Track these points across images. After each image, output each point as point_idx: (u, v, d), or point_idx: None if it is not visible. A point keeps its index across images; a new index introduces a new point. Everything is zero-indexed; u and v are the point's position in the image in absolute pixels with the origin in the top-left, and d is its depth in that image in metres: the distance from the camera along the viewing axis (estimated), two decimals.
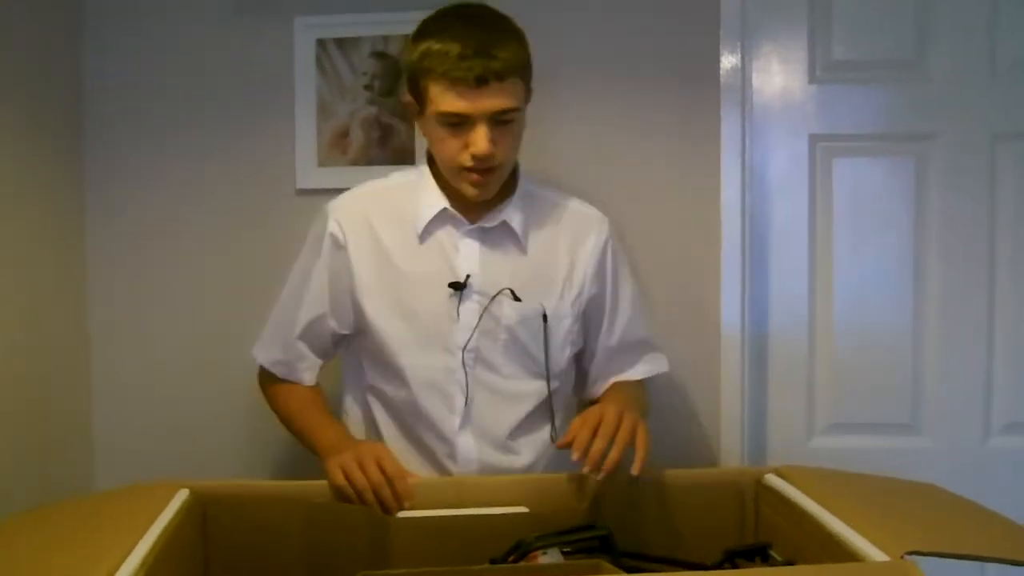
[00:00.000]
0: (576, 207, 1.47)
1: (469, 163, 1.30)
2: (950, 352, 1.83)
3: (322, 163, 1.83)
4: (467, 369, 1.37)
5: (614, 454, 1.18)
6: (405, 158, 1.79)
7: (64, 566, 0.91)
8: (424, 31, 1.31)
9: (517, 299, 1.37)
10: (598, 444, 1.17)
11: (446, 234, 1.39)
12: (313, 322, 1.43)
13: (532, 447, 1.41)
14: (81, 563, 0.90)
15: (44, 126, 1.72)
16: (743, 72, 1.79)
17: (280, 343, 1.46)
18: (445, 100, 1.27)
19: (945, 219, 1.82)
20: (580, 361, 1.51)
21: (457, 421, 1.38)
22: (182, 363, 1.88)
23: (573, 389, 1.52)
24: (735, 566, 1.12)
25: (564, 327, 1.42)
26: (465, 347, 1.36)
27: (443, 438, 1.38)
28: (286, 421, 1.47)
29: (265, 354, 1.47)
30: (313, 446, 1.38)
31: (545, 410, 1.42)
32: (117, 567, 0.89)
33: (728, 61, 1.79)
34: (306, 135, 1.83)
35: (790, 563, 1.09)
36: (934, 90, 1.81)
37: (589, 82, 1.80)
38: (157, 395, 1.88)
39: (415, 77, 1.31)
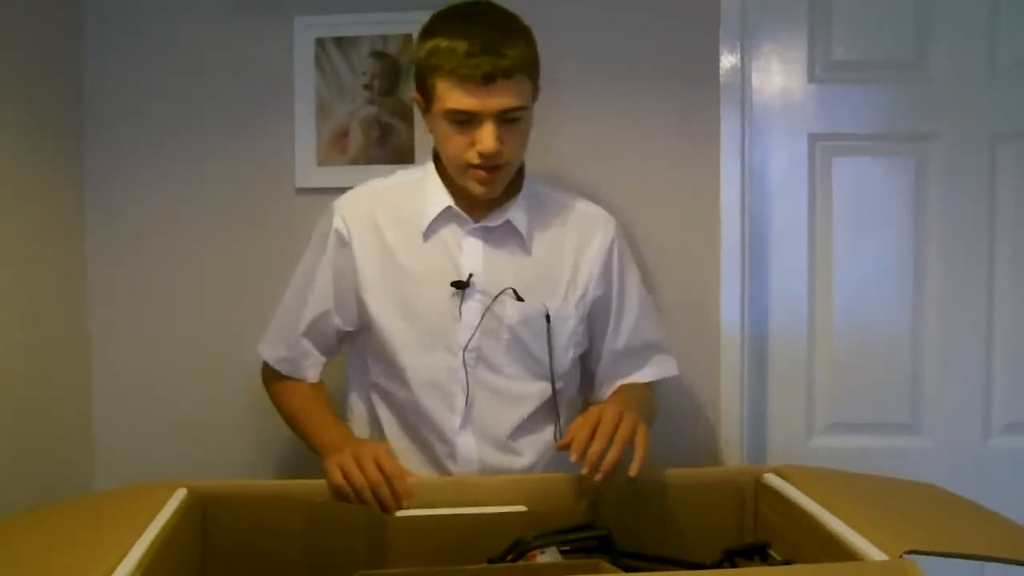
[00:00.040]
0: (582, 207, 1.47)
1: (476, 160, 1.30)
2: (950, 352, 1.83)
3: (321, 162, 1.83)
4: (468, 369, 1.37)
5: (612, 455, 1.17)
6: (404, 157, 1.79)
7: (62, 566, 0.91)
8: (432, 28, 1.31)
9: (520, 299, 1.37)
10: (596, 445, 1.17)
11: (450, 232, 1.39)
12: (318, 319, 1.43)
13: (534, 448, 1.41)
14: (79, 563, 0.89)
15: (44, 126, 1.72)
16: (743, 72, 1.79)
17: (285, 340, 1.46)
18: (452, 97, 1.27)
19: (945, 219, 1.82)
20: (587, 363, 1.50)
21: (458, 421, 1.38)
22: (182, 363, 1.88)
23: (578, 390, 1.52)
24: (734, 565, 1.12)
25: (568, 328, 1.41)
26: (466, 347, 1.36)
27: (443, 438, 1.38)
28: (288, 418, 1.47)
29: (270, 351, 1.47)
30: (313, 444, 1.39)
31: (548, 411, 1.41)
32: (115, 567, 0.89)
33: (728, 61, 1.79)
34: (305, 135, 1.83)
35: (789, 562, 1.09)
36: (934, 90, 1.81)
37: (589, 81, 1.80)
38: (157, 395, 1.88)
39: (423, 74, 1.31)
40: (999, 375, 1.83)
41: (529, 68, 1.30)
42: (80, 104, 1.84)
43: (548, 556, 1.07)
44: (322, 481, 1.24)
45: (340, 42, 1.81)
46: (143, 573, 0.91)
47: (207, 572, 1.19)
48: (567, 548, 1.10)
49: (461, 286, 1.36)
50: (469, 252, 1.38)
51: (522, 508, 1.20)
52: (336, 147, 1.83)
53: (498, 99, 1.26)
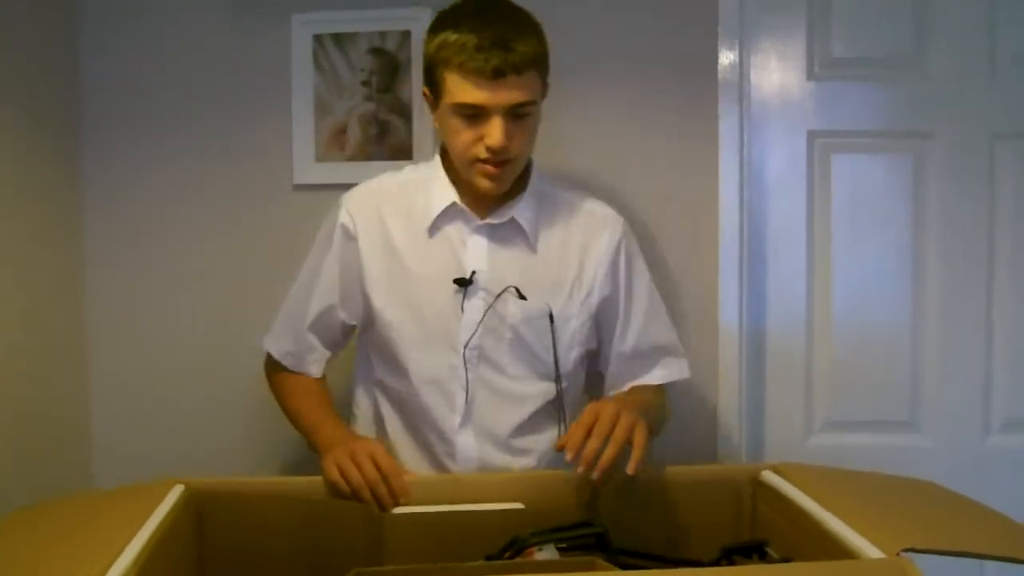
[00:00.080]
0: (590, 207, 1.46)
1: (483, 155, 1.30)
2: (949, 350, 1.83)
3: (320, 159, 1.82)
4: (468, 366, 1.36)
5: (608, 453, 1.15)
6: (402, 154, 1.79)
7: (60, 562, 0.91)
8: (442, 22, 1.30)
9: (522, 297, 1.36)
10: (592, 444, 1.15)
11: (455, 229, 1.38)
12: (323, 313, 1.43)
13: (536, 448, 1.40)
14: (76, 559, 0.89)
15: (43, 126, 1.72)
16: (741, 69, 1.79)
17: (291, 334, 1.46)
18: (461, 91, 1.26)
19: (944, 217, 1.82)
20: (595, 366, 1.49)
21: (458, 419, 1.38)
22: (181, 362, 1.87)
23: (584, 390, 1.50)
24: (732, 563, 1.11)
25: (571, 328, 1.40)
26: (467, 344, 1.36)
27: (443, 436, 1.38)
28: (288, 411, 1.47)
29: (276, 345, 1.47)
30: (311, 439, 1.38)
31: (551, 412, 1.41)
32: (111, 564, 0.89)
33: (726, 58, 1.79)
34: (303, 131, 1.82)
35: (787, 560, 1.09)
36: (933, 88, 1.81)
37: (587, 79, 1.79)
38: (156, 394, 1.88)
39: (432, 68, 1.31)
40: (998, 373, 1.83)
41: (539, 64, 1.30)
42: (78, 104, 1.84)
43: (545, 553, 1.07)
44: (319, 478, 1.24)
45: (338, 39, 1.81)
46: (140, 569, 0.91)
47: (204, 569, 1.19)
48: (564, 545, 1.09)
49: (464, 283, 1.35)
50: (473, 249, 1.38)
51: (519, 505, 1.19)
52: (334, 144, 1.82)
53: (507, 94, 1.26)
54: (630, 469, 1.16)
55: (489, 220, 1.38)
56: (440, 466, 1.39)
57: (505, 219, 1.38)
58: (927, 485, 1.21)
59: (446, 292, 1.36)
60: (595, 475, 1.15)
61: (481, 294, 1.36)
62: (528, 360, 1.39)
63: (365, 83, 1.81)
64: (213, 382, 1.86)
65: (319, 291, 1.43)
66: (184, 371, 1.87)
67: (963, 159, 1.81)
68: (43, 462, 1.68)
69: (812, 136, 1.83)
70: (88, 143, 1.85)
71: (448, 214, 1.38)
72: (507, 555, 1.08)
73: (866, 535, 0.95)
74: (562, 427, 1.41)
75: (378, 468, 1.21)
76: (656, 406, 1.42)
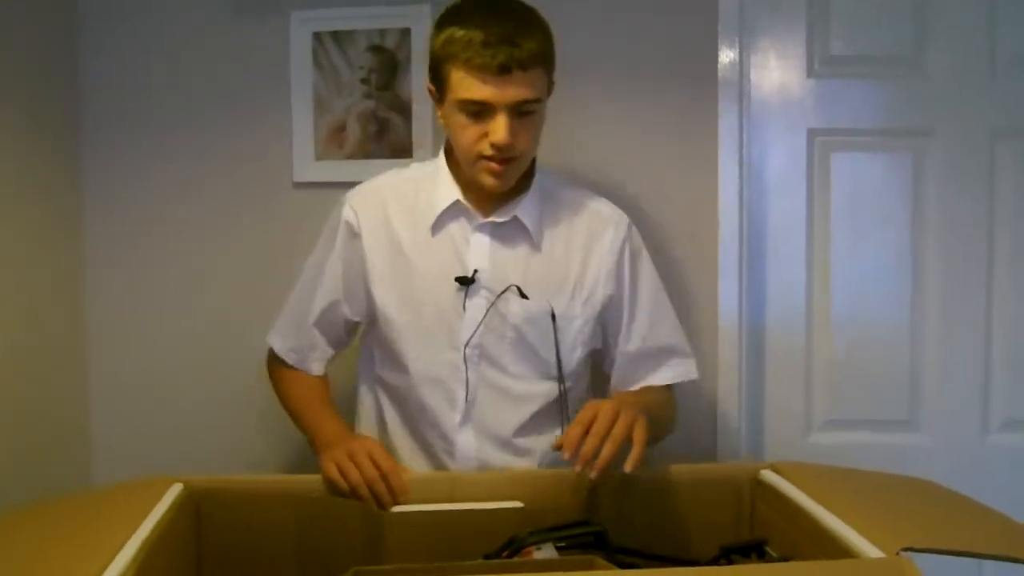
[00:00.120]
0: (595, 206, 1.45)
1: (488, 152, 1.29)
2: (948, 348, 1.83)
3: (319, 157, 1.82)
4: (469, 365, 1.36)
5: (606, 451, 1.13)
6: (402, 152, 1.79)
7: (58, 560, 0.90)
8: (449, 17, 1.30)
9: (524, 296, 1.36)
10: (590, 442, 1.13)
11: (458, 227, 1.38)
12: (327, 309, 1.43)
13: (537, 449, 1.39)
14: (75, 557, 0.89)
15: (43, 126, 1.72)
16: (741, 67, 1.78)
17: (295, 330, 1.46)
18: (467, 87, 1.26)
19: (943, 215, 1.82)
20: (602, 367, 1.48)
21: (458, 418, 1.37)
22: (181, 361, 1.88)
23: (591, 391, 1.49)
24: (731, 562, 1.11)
25: (574, 328, 1.39)
26: (468, 343, 1.35)
27: (443, 434, 1.38)
28: (288, 407, 1.47)
29: (280, 340, 1.47)
30: (310, 436, 1.39)
31: (554, 412, 1.40)
32: (109, 562, 0.88)
33: (726, 56, 1.78)
34: (303, 129, 1.82)
35: (786, 560, 1.09)
36: (933, 86, 1.80)
37: (588, 78, 1.79)
38: (156, 394, 1.88)
39: (437, 63, 1.30)
40: (998, 372, 1.83)
41: (545, 61, 1.29)
42: (78, 104, 1.84)
43: (544, 552, 1.07)
44: (317, 477, 1.24)
45: (337, 36, 1.80)
46: (138, 568, 0.91)
47: (202, 567, 1.19)
48: (563, 544, 1.09)
49: (466, 282, 1.35)
50: (475, 248, 1.37)
51: (518, 504, 1.19)
52: (334, 141, 1.82)
53: (513, 90, 1.25)
54: (627, 467, 1.14)
55: (492, 218, 1.37)
56: (439, 464, 1.39)
57: (508, 217, 1.37)
58: (926, 484, 1.20)
59: (448, 290, 1.36)
60: (593, 474, 1.13)
61: (483, 293, 1.36)
62: (530, 360, 1.38)
63: (364, 81, 1.81)
64: (213, 382, 1.86)
65: (323, 288, 1.43)
66: (184, 371, 1.87)
67: (963, 158, 1.81)
68: (43, 462, 1.68)
69: (812, 134, 1.83)
70: (88, 143, 1.85)
71: (451, 212, 1.38)
72: (505, 554, 1.07)
73: (865, 534, 0.95)
74: (564, 428, 1.38)
75: (377, 466, 1.21)
76: (660, 407, 1.40)
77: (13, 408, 1.57)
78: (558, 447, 1.16)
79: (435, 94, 1.34)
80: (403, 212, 1.40)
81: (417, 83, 1.78)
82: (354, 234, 1.40)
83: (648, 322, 1.44)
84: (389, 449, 1.39)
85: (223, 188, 1.86)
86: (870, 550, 0.92)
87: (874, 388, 1.85)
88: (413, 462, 1.39)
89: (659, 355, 1.45)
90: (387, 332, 1.39)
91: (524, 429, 1.39)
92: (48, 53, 1.74)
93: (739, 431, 1.82)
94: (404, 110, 1.80)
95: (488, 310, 1.35)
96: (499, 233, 1.38)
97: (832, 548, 0.98)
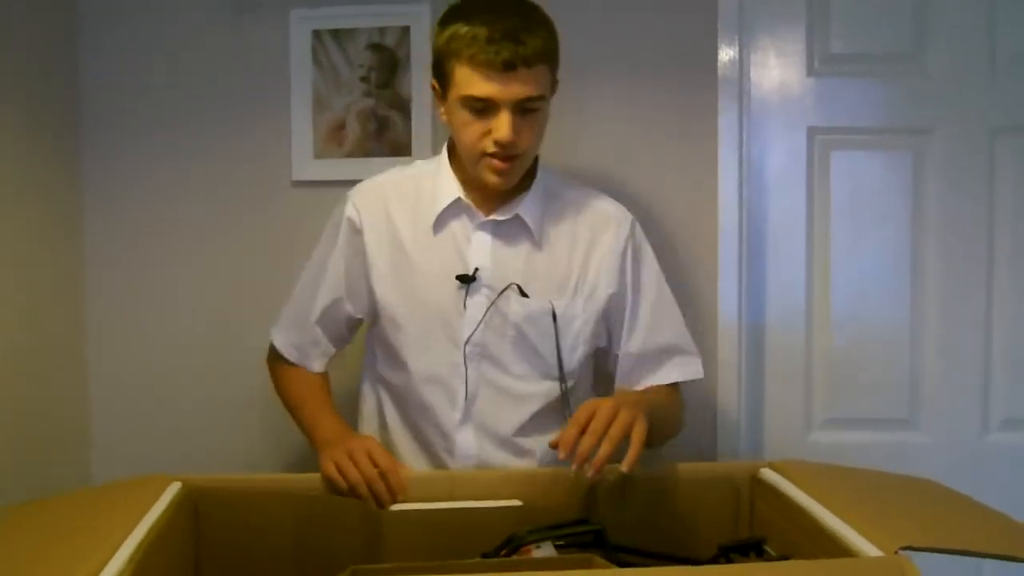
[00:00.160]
0: (599, 204, 1.44)
1: (491, 149, 1.28)
2: (948, 347, 1.83)
3: (318, 155, 1.82)
4: (469, 363, 1.36)
5: (603, 450, 1.12)
6: (401, 150, 1.79)
7: (56, 559, 0.90)
8: (453, 14, 1.29)
9: (524, 295, 1.35)
10: (587, 441, 1.12)
11: (460, 225, 1.38)
12: (330, 307, 1.43)
13: (538, 448, 1.39)
14: (73, 556, 0.89)
15: (43, 126, 1.72)
16: (741, 65, 1.78)
17: (297, 327, 1.46)
18: (470, 83, 1.25)
19: (943, 214, 1.82)
20: (606, 366, 1.47)
21: (458, 416, 1.37)
22: (181, 361, 1.87)
23: (594, 391, 1.48)
24: (730, 561, 1.11)
25: (575, 327, 1.39)
26: (468, 341, 1.35)
27: (443, 432, 1.38)
28: (288, 405, 1.47)
29: (282, 337, 1.47)
30: (309, 434, 1.39)
31: (555, 411, 1.39)
32: (107, 560, 0.88)
33: (726, 54, 1.78)
34: (302, 127, 1.82)
35: (785, 558, 1.08)
36: (932, 84, 1.80)
37: (588, 77, 1.79)
38: (156, 394, 1.88)
39: (441, 60, 1.30)
40: (997, 370, 1.83)
41: (549, 58, 1.29)
42: (78, 104, 1.84)
43: (543, 551, 1.07)
44: (316, 475, 1.24)
45: (337, 34, 1.80)
46: (136, 566, 0.91)
47: (201, 566, 1.19)
48: (562, 543, 1.09)
49: (467, 280, 1.35)
50: (477, 246, 1.37)
51: (517, 503, 1.19)
52: (333, 140, 1.82)
53: (517, 87, 1.25)
54: (624, 467, 1.13)
55: (494, 216, 1.37)
56: (439, 463, 1.39)
57: (510, 216, 1.37)
58: (926, 483, 1.20)
59: (449, 288, 1.36)
60: (590, 473, 1.13)
61: (484, 291, 1.36)
62: (531, 358, 1.38)
63: (364, 79, 1.81)
64: (213, 382, 1.86)
65: (326, 285, 1.43)
66: (184, 371, 1.87)
67: (962, 156, 1.81)
68: (43, 462, 1.68)
69: (812, 132, 1.83)
70: (88, 143, 1.85)
71: (453, 210, 1.38)
72: (504, 552, 1.07)
73: (864, 533, 0.95)
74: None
75: (375, 465, 1.21)
76: (663, 406, 1.39)
77: (13, 408, 1.57)
78: (555, 445, 1.15)
79: (438, 91, 1.34)
80: (405, 210, 1.40)
81: (417, 81, 1.78)
82: (356, 231, 1.40)
83: (652, 321, 1.43)
84: (389, 447, 1.39)
85: (222, 187, 1.85)
86: (869, 549, 0.92)
87: (874, 387, 1.84)
88: (413, 460, 1.39)
89: (663, 354, 1.44)
90: (388, 330, 1.39)
91: (525, 428, 1.39)
92: (48, 53, 1.74)
93: (739, 430, 1.82)
94: (404, 108, 1.80)
95: (488, 309, 1.35)
96: (501, 231, 1.38)
97: (831, 547, 0.98)
